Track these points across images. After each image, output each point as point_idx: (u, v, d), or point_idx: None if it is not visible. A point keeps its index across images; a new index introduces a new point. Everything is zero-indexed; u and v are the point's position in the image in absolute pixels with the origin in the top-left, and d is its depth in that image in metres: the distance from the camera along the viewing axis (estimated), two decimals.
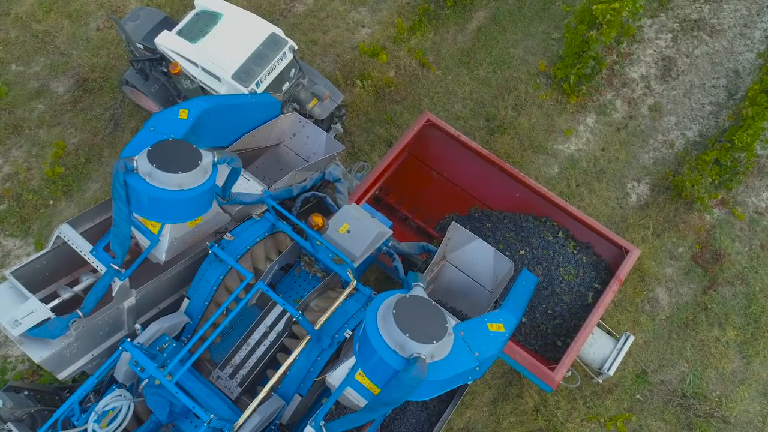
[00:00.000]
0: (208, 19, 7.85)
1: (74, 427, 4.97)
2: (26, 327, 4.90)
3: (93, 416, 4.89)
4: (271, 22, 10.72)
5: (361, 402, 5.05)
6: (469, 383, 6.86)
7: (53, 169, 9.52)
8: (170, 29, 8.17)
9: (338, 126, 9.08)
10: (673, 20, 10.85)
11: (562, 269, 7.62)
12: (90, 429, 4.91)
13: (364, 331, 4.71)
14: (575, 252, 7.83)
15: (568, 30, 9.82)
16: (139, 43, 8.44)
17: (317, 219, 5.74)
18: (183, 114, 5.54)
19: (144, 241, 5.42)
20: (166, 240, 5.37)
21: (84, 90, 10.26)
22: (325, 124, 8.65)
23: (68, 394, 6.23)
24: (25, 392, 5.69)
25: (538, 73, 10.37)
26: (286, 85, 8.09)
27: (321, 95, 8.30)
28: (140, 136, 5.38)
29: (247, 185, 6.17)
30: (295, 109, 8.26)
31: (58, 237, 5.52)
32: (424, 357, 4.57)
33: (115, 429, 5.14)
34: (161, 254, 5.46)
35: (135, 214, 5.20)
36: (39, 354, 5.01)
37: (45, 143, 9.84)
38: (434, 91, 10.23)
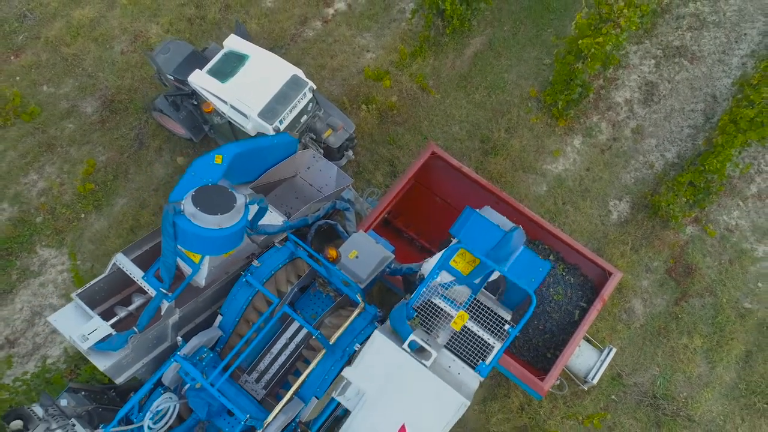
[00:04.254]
0: (236, 59, 8.48)
1: (132, 423, 5.99)
2: (93, 342, 5.85)
3: (149, 415, 5.89)
4: (282, 47, 11.37)
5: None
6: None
7: (84, 185, 10.11)
8: (197, 62, 8.84)
9: (350, 153, 9.82)
10: (656, 47, 11.30)
11: (552, 290, 8.39)
12: (146, 426, 5.91)
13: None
14: (564, 273, 8.53)
15: (557, 59, 10.29)
16: (170, 75, 9.18)
17: (332, 252, 6.70)
18: (218, 159, 6.47)
19: (186, 269, 6.37)
20: (205, 268, 6.33)
21: (111, 110, 10.76)
22: (339, 151, 9.40)
23: (113, 393, 7.24)
24: (83, 393, 6.66)
25: (530, 97, 10.92)
26: (305, 117, 8.82)
27: (335, 126, 9.01)
28: (184, 181, 6.31)
29: (270, 217, 7.10)
30: (312, 138, 9.01)
31: (114, 264, 6.50)
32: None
33: (163, 426, 6.15)
34: (201, 280, 6.43)
35: (179, 246, 6.13)
36: (103, 363, 5.96)
37: (76, 160, 10.42)
38: (433, 114, 10.77)
